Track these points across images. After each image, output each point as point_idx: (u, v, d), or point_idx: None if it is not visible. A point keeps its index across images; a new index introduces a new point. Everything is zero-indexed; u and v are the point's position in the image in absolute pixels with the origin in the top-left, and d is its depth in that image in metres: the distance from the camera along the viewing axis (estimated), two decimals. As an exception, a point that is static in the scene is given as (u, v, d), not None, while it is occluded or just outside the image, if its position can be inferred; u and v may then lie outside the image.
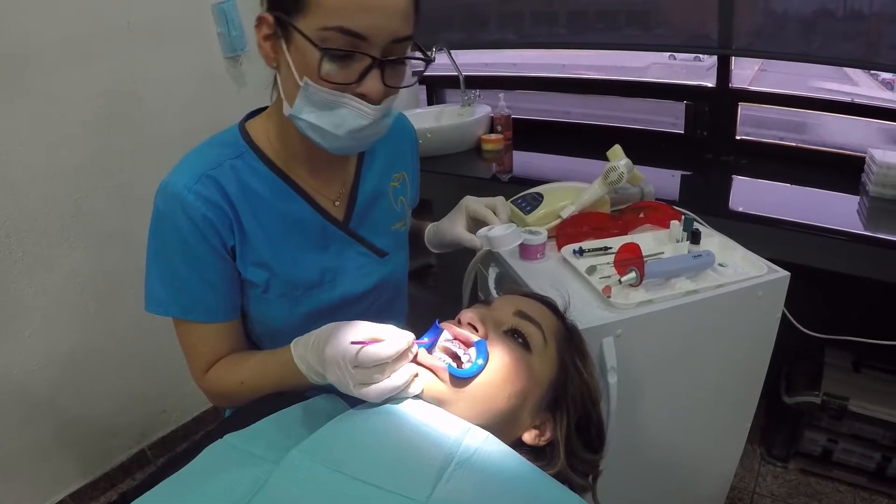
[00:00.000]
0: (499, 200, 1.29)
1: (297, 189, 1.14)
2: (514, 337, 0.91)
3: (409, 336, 0.87)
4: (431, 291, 2.83)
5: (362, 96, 0.97)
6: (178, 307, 1.09)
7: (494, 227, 1.17)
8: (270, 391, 1.03)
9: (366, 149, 1.19)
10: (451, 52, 2.97)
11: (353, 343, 0.85)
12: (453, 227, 1.29)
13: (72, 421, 2.25)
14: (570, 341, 0.98)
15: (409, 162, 1.33)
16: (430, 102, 3.54)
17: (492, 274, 1.49)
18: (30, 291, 2.04)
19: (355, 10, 0.90)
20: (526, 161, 2.83)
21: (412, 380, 0.85)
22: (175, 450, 2.61)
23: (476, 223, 1.28)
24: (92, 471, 2.37)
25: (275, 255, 1.12)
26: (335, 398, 0.99)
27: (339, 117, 0.98)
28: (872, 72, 3.84)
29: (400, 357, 0.85)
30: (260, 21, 0.99)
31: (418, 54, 1.03)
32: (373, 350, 0.84)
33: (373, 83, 0.96)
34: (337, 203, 1.20)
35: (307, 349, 0.95)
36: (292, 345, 0.99)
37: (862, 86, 3.83)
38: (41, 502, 2.22)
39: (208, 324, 1.11)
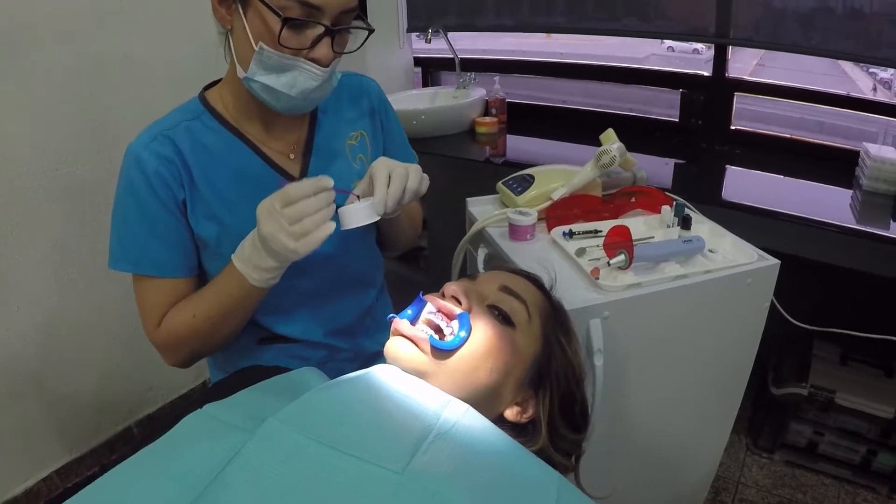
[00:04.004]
0: (397, 169, 1.10)
1: (250, 144, 1.20)
2: (498, 311, 0.90)
3: (327, 178, 1.01)
4: (422, 273, 2.82)
5: (314, 61, 1.05)
6: (128, 261, 1.15)
7: (354, 203, 1.09)
8: (223, 316, 1.12)
9: (312, 108, 1.22)
10: (448, 34, 2.96)
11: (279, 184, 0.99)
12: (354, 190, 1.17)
13: (58, 398, 2.24)
14: (556, 318, 0.97)
15: (367, 122, 1.34)
16: (426, 84, 3.54)
17: (481, 254, 1.48)
18: (16, 267, 2.02)
19: None
20: (519, 144, 2.83)
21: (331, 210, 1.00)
22: (161, 427, 2.59)
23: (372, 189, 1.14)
24: (78, 447, 2.36)
25: (227, 209, 1.16)
26: (317, 371, 0.99)
27: (291, 78, 1.06)
28: (871, 70, 3.85)
29: (323, 197, 0.99)
30: None
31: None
32: (298, 182, 0.98)
33: (324, 49, 1.05)
34: (292, 156, 1.24)
35: (244, 246, 1.06)
36: (232, 256, 1.08)
37: (860, 84, 3.83)
38: (27, 478, 2.20)
39: (160, 279, 1.16)
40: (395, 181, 1.08)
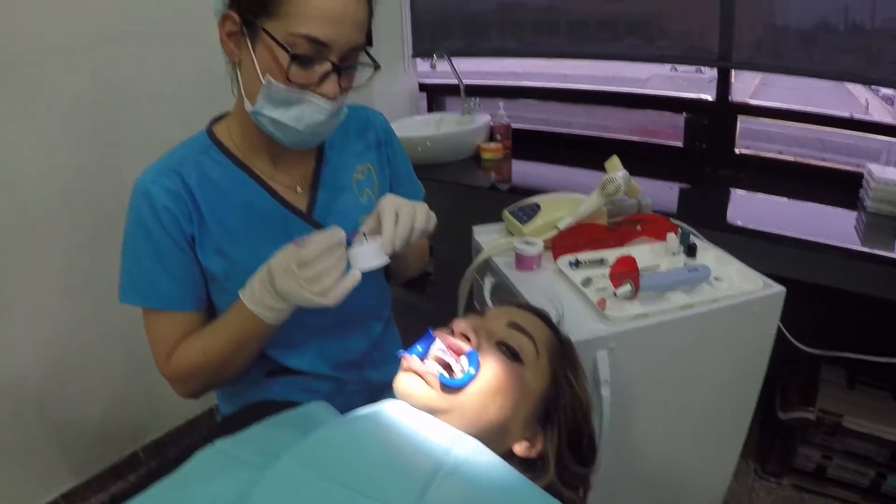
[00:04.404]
0: (404, 208, 1.10)
1: (258, 179, 1.21)
2: (506, 348, 0.91)
3: (337, 229, 1.02)
4: (428, 299, 2.83)
5: (321, 95, 1.07)
6: (137, 294, 1.16)
7: (364, 243, 1.07)
8: (233, 352, 1.13)
9: (319, 142, 1.24)
10: (452, 59, 2.98)
11: (293, 243, 1.00)
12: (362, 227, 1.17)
13: (63, 422, 2.24)
14: (563, 354, 0.98)
15: (373, 155, 1.36)
16: (430, 110, 3.56)
17: (487, 283, 1.49)
18: (24, 291, 2.03)
19: (323, 21, 1.00)
20: (524, 170, 2.83)
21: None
22: (168, 453, 2.60)
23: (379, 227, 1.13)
24: (84, 472, 2.36)
25: (234, 243, 1.17)
26: (327, 406, 1.00)
27: (299, 112, 1.07)
28: (873, 87, 3.85)
29: (338, 254, 1.00)
30: (224, 19, 1.07)
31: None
32: (308, 242, 0.99)
33: (331, 85, 1.06)
34: (299, 190, 1.25)
35: (254, 287, 1.05)
36: (239, 292, 1.08)
37: (862, 101, 3.83)
38: (33, 502, 2.20)
39: (169, 312, 1.17)
40: (403, 220, 1.08)
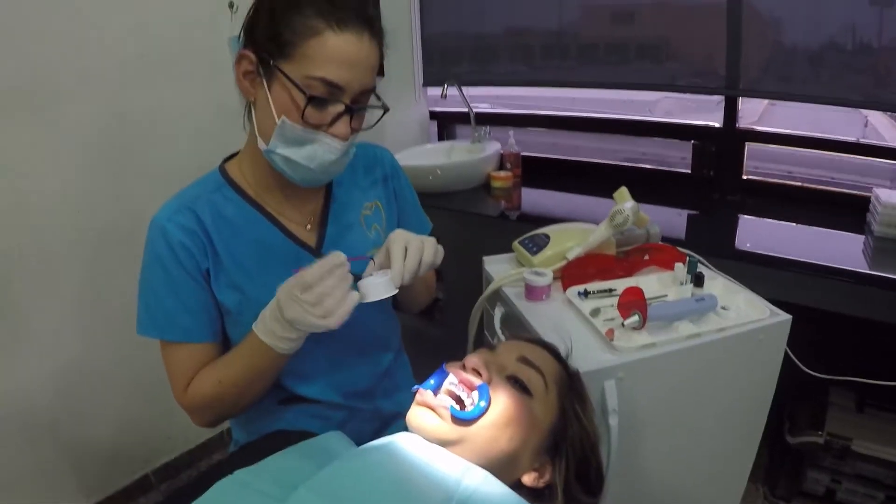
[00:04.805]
0: (413, 242, 1.14)
1: (269, 217, 1.25)
2: (516, 382, 0.94)
3: (337, 253, 1.04)
4: (437, 325, 2.84)
5: (332, 135, 1.11)
6: (155, 327, 1.19)
7: (373, 274, 1.12)
8: (248, 382, 1.16)
9: (329, 180, 1.28)
10: (462, 87, 3.01)
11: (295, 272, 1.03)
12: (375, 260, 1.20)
13: (76, 444, 2.27)
14: (571, 387, 1.00)
15: (381, 191, 1.39)
16: (441, 138, 3.58)
17: (497, 314, 1.51)
18: (37, 313, 2.07)
19: (338, 65, 1.05)
20: (534, 198, 2.85)
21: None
22: (179, 476, 2.61)
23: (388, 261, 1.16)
24: (96, 494, 2.38)
25: (247, 279, 1.20)
26: (341, 436, 1.02)
27: (311, 151, 1.11)
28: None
29: (338, 274, 1.03)
30: (241, 58, 1.11)
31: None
32: (309, 268, 1.02)
33: (343, 126, 1.11)
34: (309, 227, 1.28)
35: (265, 319, 1.08)
36: (253, 326, 1.11)
37: (872, 120, 3.84)
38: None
39: (186, 344, 1.20)
40: (412, 255, 1.12)
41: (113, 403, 2.35)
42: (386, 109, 1.19)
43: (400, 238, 1.14)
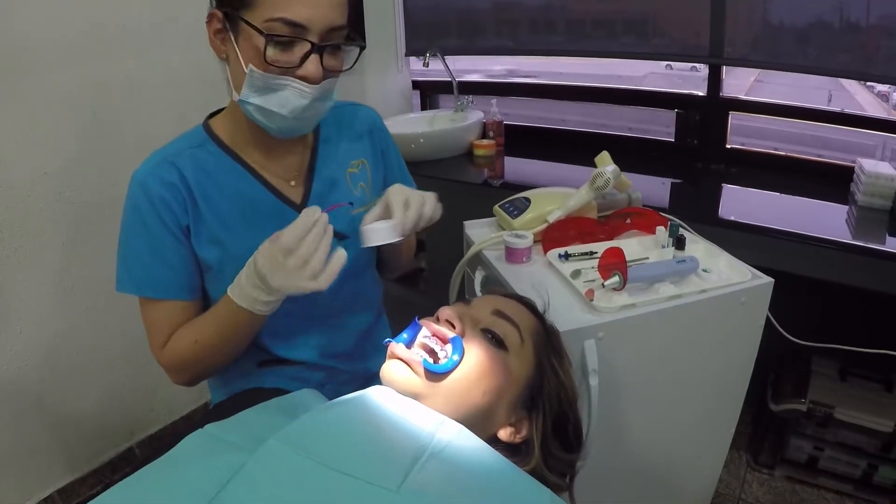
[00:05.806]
0: (414, 196, 1.17)
1: (253, 172, 1.23)
2: (491, 335, 0.93)
3: (313, 208, 1.04)
4: (421, 294, 2.84)
5: (303, 78, 1.08)
6: (133, 283, 1.19)
7: (375, 222, 1.14)
8: (225, 342, 1.16)
9: (308, 130, 1.25)
10: (446, 57, 2.99)
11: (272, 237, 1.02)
12: (368, 214, 1.20)
13: (60, 418, 2.25)
14: (548, 341, 0.99)
15: (367, 149, 1.38)
16: (424, 107, 3.57)
17: (478, 276, 1.50)
18: (20, 289, 2.04)
19: (296, 3, 1.02)
20: (517, 167, 2.85)
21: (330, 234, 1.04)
22: (163, 447, 2.59)
23: (386, 213, 1.18)
24: (80, 468, 2.37)
25: (228, 233, 1.19)
26: (316, 393, 1.01)
27: (282, 98, 1.09)
28: (868, 84, 3.87)
29: (316, 231, 1.02)
30: (211, 17, 1.11)
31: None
32: (288, 227, 1.01)
33: (312, 66, 1.07)
34: (293, 183, 1.27)
35: (241, 281, 1.07)
36: (228, 289, 1.10)
37: (858, 97, 3.86)
38: (29, 498, 2.21)
39: (164, 301, 1.19)
40: (413, 207, 1.14)
41: (96, 377, 2.33)
42: (362, 46, 1.17)
43: (400, 191, 1.15)
